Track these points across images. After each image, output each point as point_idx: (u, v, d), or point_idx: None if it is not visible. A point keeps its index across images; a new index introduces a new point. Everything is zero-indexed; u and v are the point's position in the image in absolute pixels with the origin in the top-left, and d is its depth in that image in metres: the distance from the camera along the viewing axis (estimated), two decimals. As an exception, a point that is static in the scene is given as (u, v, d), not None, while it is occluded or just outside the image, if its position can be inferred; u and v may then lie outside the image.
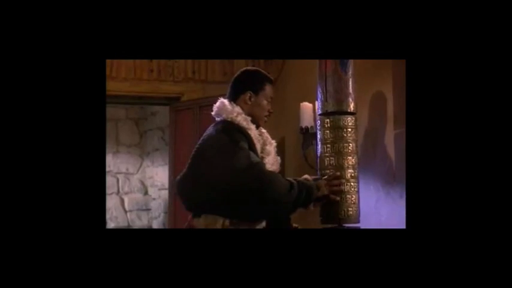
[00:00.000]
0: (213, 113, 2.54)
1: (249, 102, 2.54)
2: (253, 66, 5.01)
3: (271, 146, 2.60)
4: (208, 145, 2.42)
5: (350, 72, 2.56)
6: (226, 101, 2.53)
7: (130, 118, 7.54)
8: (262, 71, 2.69)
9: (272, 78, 2.68)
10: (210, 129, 2.50)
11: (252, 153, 2.35)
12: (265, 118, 2.60)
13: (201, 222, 2.36)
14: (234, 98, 2.55)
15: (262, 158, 2.49)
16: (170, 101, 5.16)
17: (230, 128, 2.42)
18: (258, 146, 2.48)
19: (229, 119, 2.46)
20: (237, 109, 2.49)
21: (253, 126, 2.48)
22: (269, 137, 2.63)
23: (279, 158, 2.62)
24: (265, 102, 2.57)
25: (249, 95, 2.54)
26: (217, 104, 2.53)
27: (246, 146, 2.37)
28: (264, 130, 2.63)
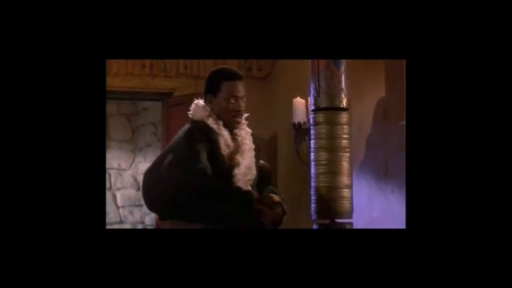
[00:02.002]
0: (190, 115, 2.44)
1: (211, 105, 2.39)
2: (245, 61, 5.03)
3: (244, 154, 2.38)
4: (171, 145, 2.37)
5: (342, 68, 2.56)
6: (200, 102, 2.43)
7: (122, 113, 7.50)
8: (224, 68, 2.47)
9: (238, 73, 2.44)
10: (182, 128, 2.42)
11: (202, 156, 2.25)
12: (236, 119, 2.39)
13: (167, 226, 2.32)
14: (204, 100, 2.43)
15: (231, 166, 2.32)
16: (162, 96, 5.14)
17: (196, 130, 2.34)
18: (227, 152, 2.34)
19: (200, 120, 2.38)
20: (209, 111, 2.38)
21: (224, 131, 2.35)
22: (247, 140, 2.42)
23: (253, 167, 2.40)
24: (225, 102, 2.36)
25: (208, 98, 2.40)
26: (192, 105, 2.45)
27: (202, 149, 2.26)
28: (245, 132, 2.43)
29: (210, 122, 2.36)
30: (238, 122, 2.39)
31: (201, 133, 2.31)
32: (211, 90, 2.40)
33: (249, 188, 2.32)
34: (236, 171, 2.31)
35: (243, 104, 2.39)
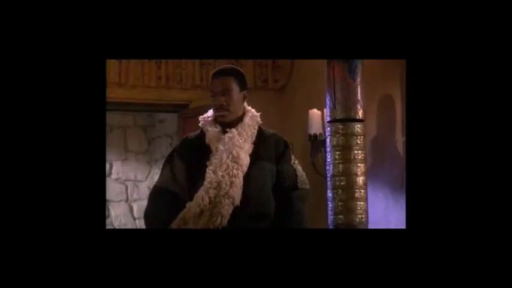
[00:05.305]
0: None
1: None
2: (261, 73, 5.03)
3: (227, 141, 2.35)
4: None
5: (358, 79, 2.56)
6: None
7: (138, 125, 7.53)
8: (222, 67, 2.52)
9: (220, 70, 2.48)
10: None
11: (164, 171, 2.46)
12: (217, 113, 2.41)
13: None
14: None
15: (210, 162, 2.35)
16: (178, 108, 5.15)
17: (181, 140, 2.56)
18: (214, 145, 2.37)
19: (199, 126, 2.50)
20: (209, 113, 2.48)
21: (211, 127, 2.41)
22: (239, 133, 2.38)
23: (241, 154, 2.36)
24: (211, 97, 2.42)
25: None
26: None
27: (177, 157, 2.43)
28: (244, 127, 2.41)
29: (201, 121, 2.47)
30: (222, 116, 2.40)
31: (183, 143, 2.49)
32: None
33: (231, 174, 2.31)
34: (213, 156, 2.35)
35: (222, 99, 2.39)
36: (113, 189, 7.18)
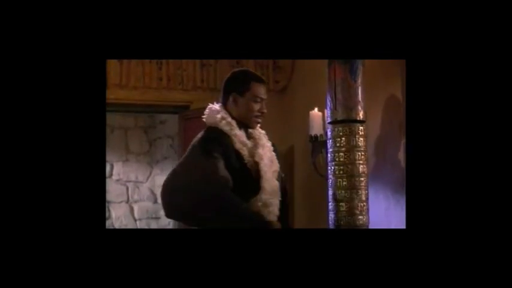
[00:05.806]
0: (204, 120, 2.50)
1: (235, 105, 2.47)
2: (262, 73, 5.03)
3: (264, 148, 2.47)
4: (188, 155, 2.40)
5: (359, 80, 2.56)
6: (214, 106, 2.50)
7: (139, 126, 7.54)
8: (251, 71, 2.62)
9: (263, 78, 2.57)
10: (197, 136, 2.47)
11: (220, 166, 2.28)
12: (257, 119, 2.49)
13: None
14: (223, 102, 2.51)
15: (255, 162, 2.40)
16: (179, 109, 5.15)
17: (209, 137, 2.39)
18: (245, 151, 2.40)
19: (213, 125, 2.44)
20: (222, 113, 2.45)
21: (238, 131, 2.42)
22: (264, 138, 2.52)
23: (275, 160, 2.52)
24: (251, 102, 2.46)
25: (233, 97, 2.47)
26: (206, 109, 2.51)
27: (219, 156, 2.30)
28: (259, 132, 2.53)
29: (223, 124, 2.42)
30: (259, 123, 2.51)
31: (215, 140, 2.36)
32: (238, 89, 2.48)
33: (276, 182, 2.43)
34: (261, 165, 2.40)
35: (265, 107, 2.50)
36: (113, 190, 7.19)
